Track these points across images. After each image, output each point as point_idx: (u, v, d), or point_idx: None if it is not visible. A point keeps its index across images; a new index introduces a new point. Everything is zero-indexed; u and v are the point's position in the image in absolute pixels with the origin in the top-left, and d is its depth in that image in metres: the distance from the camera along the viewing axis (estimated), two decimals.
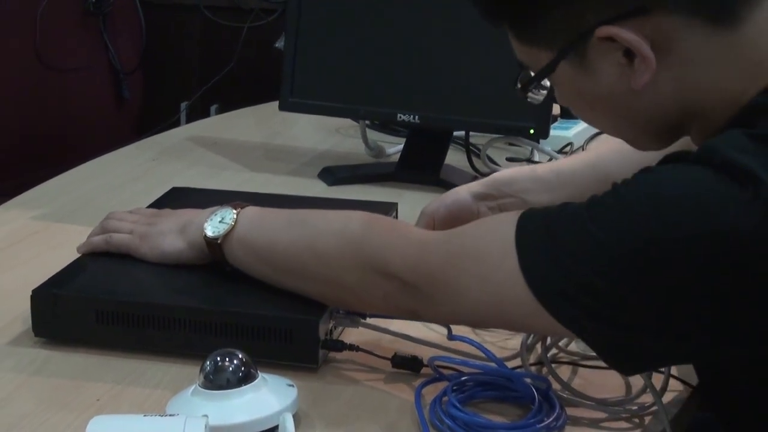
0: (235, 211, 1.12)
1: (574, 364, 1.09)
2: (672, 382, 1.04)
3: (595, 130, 1.99)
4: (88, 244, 1.21)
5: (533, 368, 1.08)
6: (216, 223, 1.12)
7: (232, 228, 1.11)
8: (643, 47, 0.89)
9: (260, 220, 1.12)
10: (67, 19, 2.78)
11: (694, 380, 1.07)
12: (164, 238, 1.17)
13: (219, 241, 1.11)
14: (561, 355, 1.11)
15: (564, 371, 1.08)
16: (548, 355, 1.07)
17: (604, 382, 1.06)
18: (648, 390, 1.01)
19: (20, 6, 2.67)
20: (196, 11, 2.86)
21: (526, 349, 1.07)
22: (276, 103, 1.80)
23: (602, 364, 1.08)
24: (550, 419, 0.96)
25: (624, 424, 1.01)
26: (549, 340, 1.08)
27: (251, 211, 1.13)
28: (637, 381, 1.05)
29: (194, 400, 0.94)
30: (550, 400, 0.99)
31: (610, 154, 1.26)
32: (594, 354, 1.10)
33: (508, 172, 1.32)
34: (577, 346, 1.12)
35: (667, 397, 1.03)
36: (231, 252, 1.11)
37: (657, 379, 1.02)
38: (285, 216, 1.12)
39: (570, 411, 1.00)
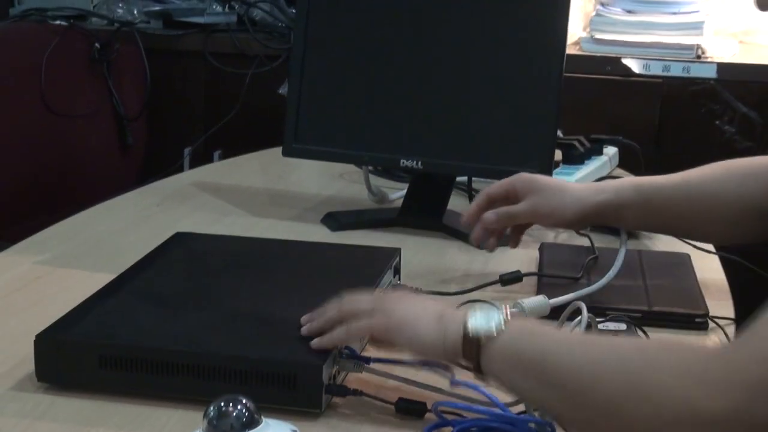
0: (503, 312, 1.01)
1: None
2: None
3: (597, 176, 2.00)
4: (329, 339, 1.09)
5: (536, 413, 1.07)
6: (480, 320, 1.00)
7: (501, 330, 0.99)
8: None
9: (532, 328, 1.01)
10: (73, 66, 2.79)
11: None
12: (419, 321, 1.05)
13: (482, 342, 0.99)
14: None
15: None
16: None
17: None
18: None
19: (26, 52, 2.69)
20: (200, 58, 2.88)
21: None
22: (279, 149, 1.81)
23: None
24: None
25: None
26: None
27: (519, 318, 1.05)
28: None
29: None
30: None
31: (710, 174, 1.30)
32: None
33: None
34: None
35: None
36: (490, 355, 0.99)
37: None
38: (560, 331, 1.07)
39: None
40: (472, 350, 1.00)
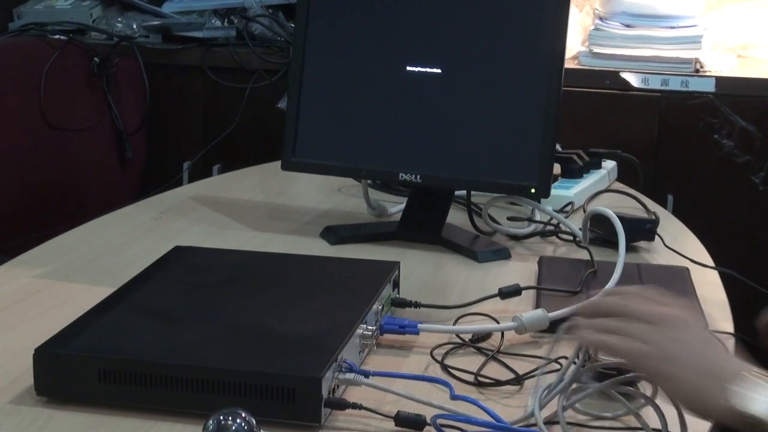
0: None
1: (583, 425, 1.09)
2: None
3: (595, 190, 2.00)
4: (601, 342, 1.01)
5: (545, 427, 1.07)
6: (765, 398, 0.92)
7: None
8: None
9: None
10: (72, 80, 2.80)
11: None
12: (704, 382, 0.94)
13: None
14: (572, 414, 1.10)
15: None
16: (563, 414, 1.06)
17: None
18: None
19: (26, 66, 2.69)
20: (199, 72, 2.88)
21: (539, 407, 1.07)
22: (278, 163, 1.81)
23: (617, 424, 1.08)
24: None
25: None
26: (567, 399, 1.07)
27: None
28: None
29: None
30: None
31: None
32: (606, 414, 1.09)
33: None
34: (582, 405, 1.12)
35: None
36: None
37: None
38: None
39: None
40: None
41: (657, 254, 1.68)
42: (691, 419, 1.06)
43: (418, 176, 1.71)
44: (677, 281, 1.49)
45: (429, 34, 1.72)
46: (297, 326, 1.17)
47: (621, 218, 1.50)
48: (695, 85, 2.56)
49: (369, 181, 1.89)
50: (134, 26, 3.00)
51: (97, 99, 2.85)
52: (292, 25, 2.34)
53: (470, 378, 1.20)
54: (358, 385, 1.12)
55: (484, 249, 1.68)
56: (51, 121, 2.69)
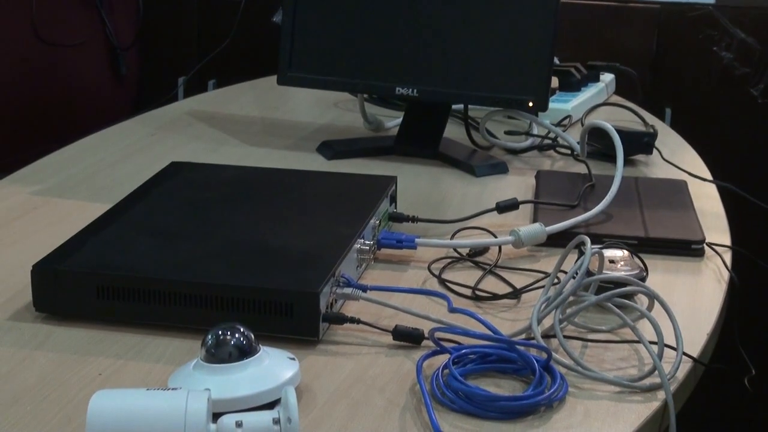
0: None
1: (580, 338, 1.09)
2: (685, 359, 1.04)
3: (593, 103, 1.99)
4: None
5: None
6: None
7: None
8: None
9: None
10: None
11: (705, 359, 1.07)
12: None
13: None
14: (569, 328, 1.11)
15: (572, 345, 1.08)
16: (560, 327, 1.06)
17: (610, 356, 1.07)
18: (657, 371, 1.00)
19: None
20: None
21: (536, 320, 1.07)
22: (274, 78, 1.80)
23: (614, 337, 1.09)
24: (551, 390, 0.96)
25: (631, 398, 1.00)
26: (564, 312, 1.07)
27: None
28: (648, 358, 1.05)
29: (196, 374, 0.95)
30: (552, 370, 0.99)
31: None
32: (602, 328, 1.10)
33: None
34: (580, 319, 1.12)
35: (679, 376, 1.02)
36: None
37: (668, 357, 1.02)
38: None
39: (578, 384, 1.00)
40: None
41: (655, 167, 1.68)
42: (686, 332, 1.07)
43: (415, 90, 1.70)
44: (675, 194, 1.49)
45: None
46: (294, 241, 1.17)
47: (619, 131, 1.49)
48: None
49: (365, 96, 1.88)
50: None
51: (89, 14, 2.82)
52: None
53: (468, 292, 1.20)
54: (356, 300, 1.12)
55: (481, 163, 1.67)
56: (44, 37, 2.66)
